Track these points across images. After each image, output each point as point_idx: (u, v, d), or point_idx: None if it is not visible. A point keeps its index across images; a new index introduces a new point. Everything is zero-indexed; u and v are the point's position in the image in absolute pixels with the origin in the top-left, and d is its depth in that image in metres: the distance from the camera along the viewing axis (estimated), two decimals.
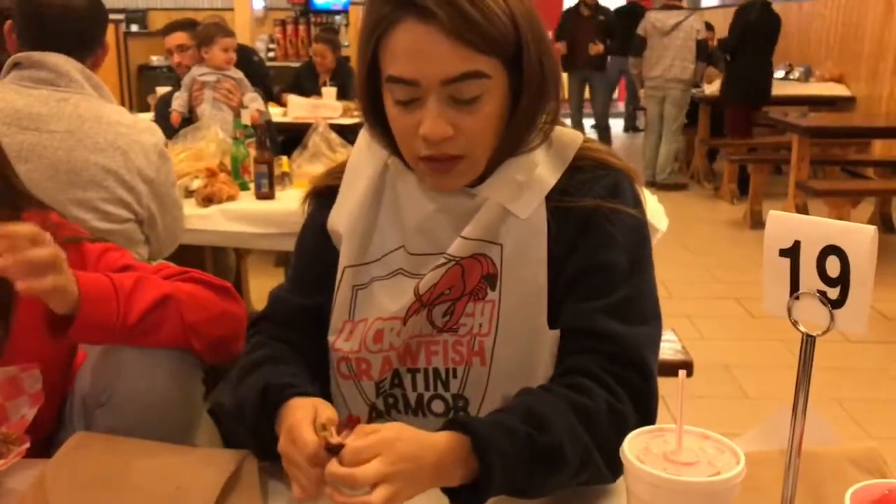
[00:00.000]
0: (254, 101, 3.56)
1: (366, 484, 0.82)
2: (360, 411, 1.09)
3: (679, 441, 0.77)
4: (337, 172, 1.15)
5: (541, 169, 1.03)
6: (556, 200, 1.03)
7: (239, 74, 3.61)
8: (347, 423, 0.90)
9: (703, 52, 6.67)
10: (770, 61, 6.49)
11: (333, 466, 0.83)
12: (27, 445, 1.02)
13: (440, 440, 0.87)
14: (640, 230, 1.04)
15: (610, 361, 0.97)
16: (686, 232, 5.24)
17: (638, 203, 1.06)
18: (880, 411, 2.94)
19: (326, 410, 0.94)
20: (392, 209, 1.08)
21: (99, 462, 0.99)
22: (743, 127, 6.65)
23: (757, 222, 5.62)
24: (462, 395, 1.05)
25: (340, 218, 1.10)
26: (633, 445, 0.78)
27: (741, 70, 6.38)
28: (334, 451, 0.86)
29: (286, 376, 1.01)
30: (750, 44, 6.33)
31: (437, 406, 1.06)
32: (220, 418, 1.43)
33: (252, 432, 1.01)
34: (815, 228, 0.71)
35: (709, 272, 4.58)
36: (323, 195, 1.15)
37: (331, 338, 1.09)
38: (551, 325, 1.02)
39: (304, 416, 0.92)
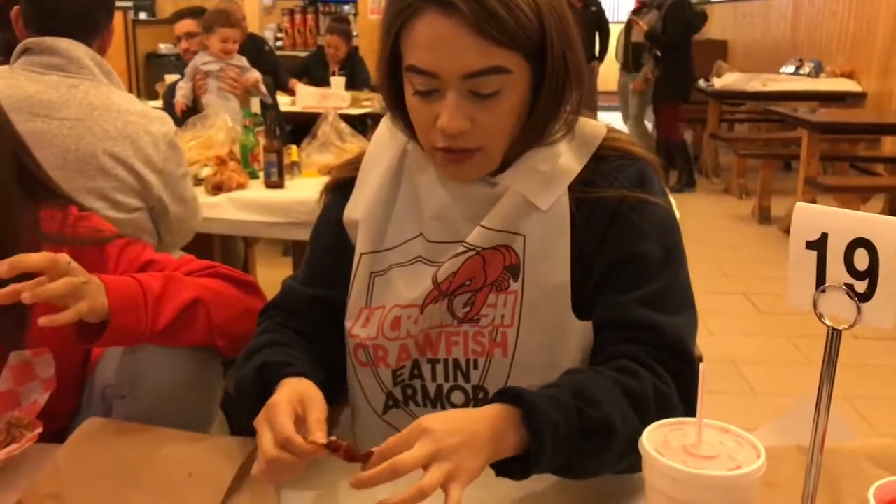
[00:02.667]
0: (252, 76, 3.57)
1: (408, 470, 0.78)
2: (377, 399, 1.08)
3: (699, 434, 0.76)
4: (354, 163, 1.14)
5: (564, 159, 1.02)
6: (581, 191, 1.02)
7: (242, 62, 3.60)
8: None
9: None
10: (691, 56, 6.69)
11: (368, 470, 0.78)
12: (39, 430, 1.01)
13: (490, 410, 0.86)
14: (669, 219, 1.04)
15: (653, 349, 0.97)
16: (694, 227, 5.22)
17: (664, 192, 1.05)
18: (890, 408, 2.92)
19: (314, 398, 0.93)
20: (410, 196, 1.08)
21: (112, 448, 0.99)
22: (678, 123, 6.79)
23: (765, 218, 5.61)
24: (482, 386, 1.04)
25: (357, 205, 1.10)
26: (653, 438, 0.77)
27: (678, 66, 6.50)
28: (334, 448, 0.84)
29: (284, 357, 1.01)
30: (685, 40, 6.49)
31: (457, 397, 1.05)
32: (228, 407, 1.43)
33: (248, 411, 0.98)
34: (844, 221, 0.70)
35: (717, 267, 4.57)
36: (340, 188, 1.14)
37: (347, 324, 1.08)
38: (579, 316, 1.01)
39: (284, 397, 0.91)
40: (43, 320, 0.96)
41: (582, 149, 1.04)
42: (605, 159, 1.04)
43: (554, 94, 0.97)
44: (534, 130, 1.00)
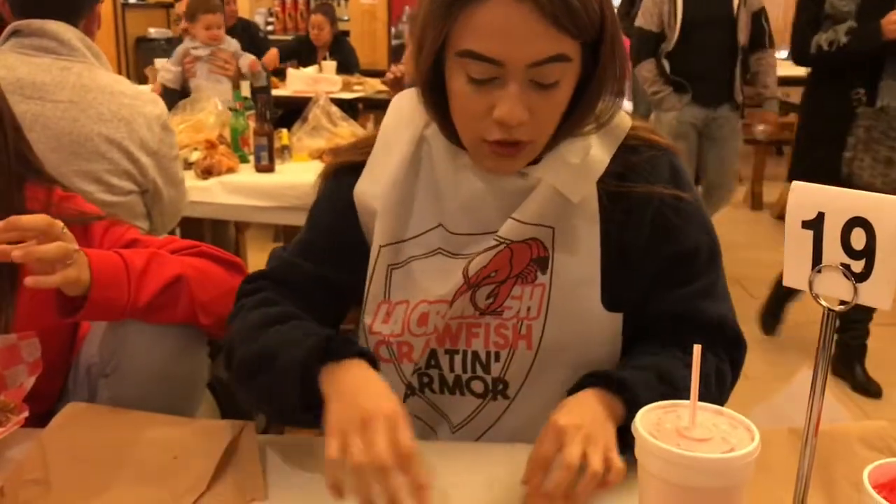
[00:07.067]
0: (247, 59, 3.55)
1: (577, 460, 0.82)
2: (397, 393, 1.03)
3: (693, 417, 0.75)
4: (362, 147, 1.10)
5: (594, 151, 1.01)
6: (614, 185, 1.01)
7: (233, 46, 3.56)
8: None
9: None
10: None
11: (546, 478, 0.83)
12: (26, 414, 1.00)
13: (594, 396, 0.90)
14: (705, 215, 1.06)
15: (714, 337, 1.01)
16: None
17: (692, 184, 1.06)
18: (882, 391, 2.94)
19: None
20: (430, 185, 1.04)
21: (96, 432, 0.98)
22: None
23: (757, 203, 5.61)
24: (503, 378, 1.03)
25: (374, 192, 1.05)
26: (646, 420, 0.76)
27: None
28: None
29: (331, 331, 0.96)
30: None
31: (477, 386, 1.05)
32: (218, 391, 1.42)
33: (300, 380, 0.89)
34: (841, 200, 0.69)
35: None
36: (347, 172, 1.09)
37: (367, 320, 1.05)
38: (609, 307, 1.01)
39: (396, 407, 0.84)
40: (29, 280, 0.96)
41: (610, 140, 1.02)
42: (633, 150, 1.03)
43: (601, 85, 0.95)
44: (574, 122, 0.98)
